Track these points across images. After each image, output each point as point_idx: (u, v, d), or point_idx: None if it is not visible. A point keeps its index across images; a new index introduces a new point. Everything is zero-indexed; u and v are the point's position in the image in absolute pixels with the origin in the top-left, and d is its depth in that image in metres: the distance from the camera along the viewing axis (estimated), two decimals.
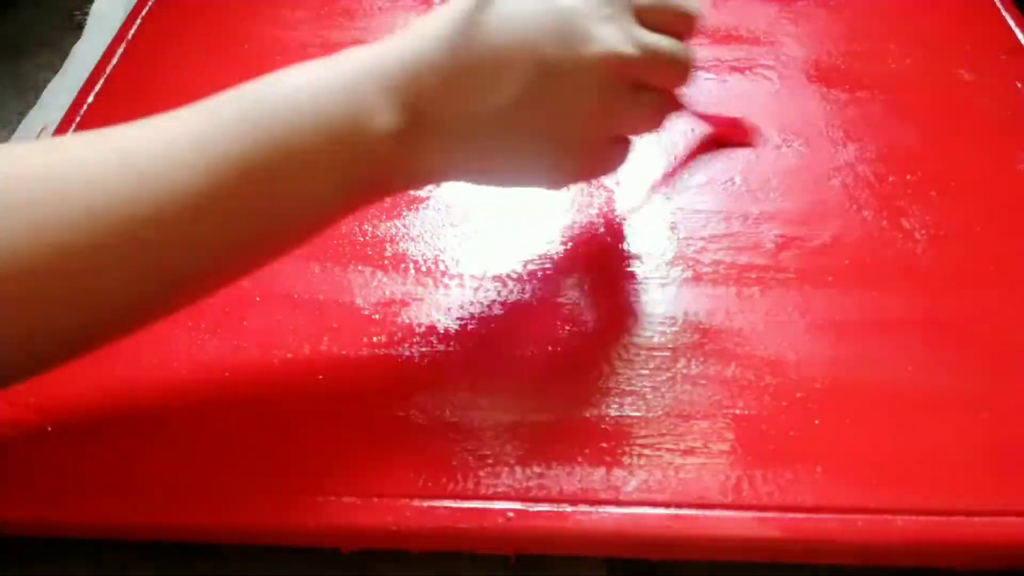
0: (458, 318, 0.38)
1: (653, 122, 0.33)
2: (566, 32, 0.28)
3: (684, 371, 0.36)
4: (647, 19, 0.30)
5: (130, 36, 0.53)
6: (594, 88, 0.29)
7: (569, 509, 0.32)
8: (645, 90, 0.31)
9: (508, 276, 0.40)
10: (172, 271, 0.29)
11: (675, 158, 0.45)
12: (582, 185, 0.44)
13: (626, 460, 0.33)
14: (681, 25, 0.32)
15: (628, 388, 0.35)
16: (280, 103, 0.28)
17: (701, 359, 0.36)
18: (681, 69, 0.31)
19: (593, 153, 0.32)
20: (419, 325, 0.38)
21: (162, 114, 0.29)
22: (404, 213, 0.42)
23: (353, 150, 0.28)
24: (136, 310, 0.30)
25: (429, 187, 0.44)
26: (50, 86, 0.53)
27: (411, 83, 0.29)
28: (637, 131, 0.33)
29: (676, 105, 0.33)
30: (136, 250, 0.27)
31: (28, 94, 0.54)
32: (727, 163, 0.45)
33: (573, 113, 0.30)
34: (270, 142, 0.27)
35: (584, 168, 0.33)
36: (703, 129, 0.46)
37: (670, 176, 0.44)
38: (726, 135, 0.46)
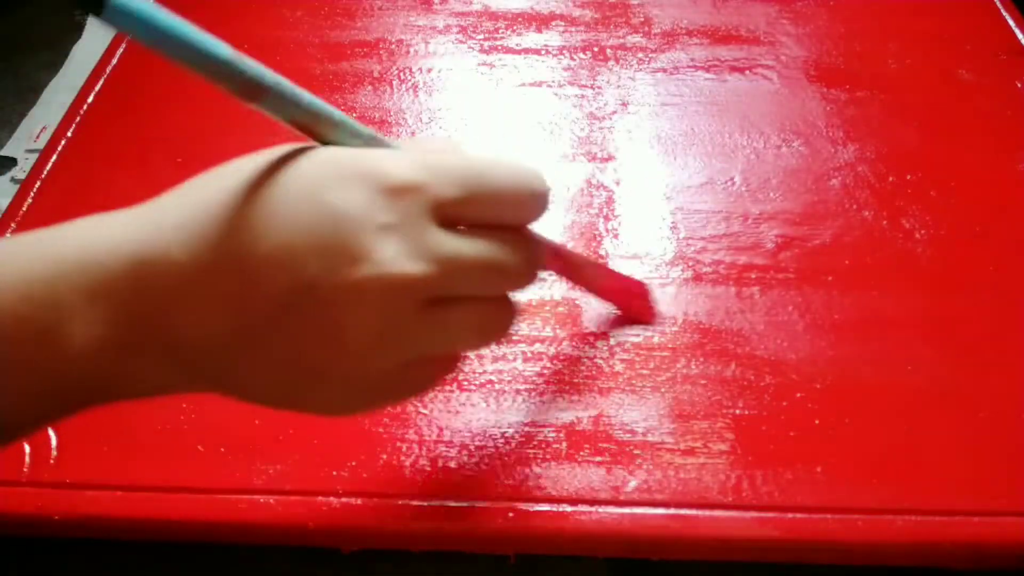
0: None
1: (475, 340, 0.25)
2: (334, 247, 0.22)
3: (684, 371, 0.36)
4: (461, 213, 0.23)
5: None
6: (367, 320, 0.22)
7: (569, 509, 0.32)
8: (457, 305, 0.24)
9: None
10: None
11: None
12: (580, 186, 0.44)
13: (626, 460, 0.33)
14: (510, 213, 0.25)
15: (628, 388, 0.35)
16: None
17: (701, 359, 0.36)
18: (500, 278, 0.24)
19: (380, 386, 0.24)
20: None
21: None
22: None
23: (41, 361, 0.22)
24: None
25: None
26: (50, 86, 0.53)
27: (130, 284, 0.22)
28: (454, 350, 0.26)
29: (510, 312, 0.25)
30: None
31: (28, 94, 0.54)
32: (727, 163, 0.45)
33: (340, 345, 0.23)
34: None
35: (369, 402, 0.25)
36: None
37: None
38: (626, 308, 0.38)
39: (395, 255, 0.22)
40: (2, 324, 0.22)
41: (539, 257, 0.26)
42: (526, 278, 0.25)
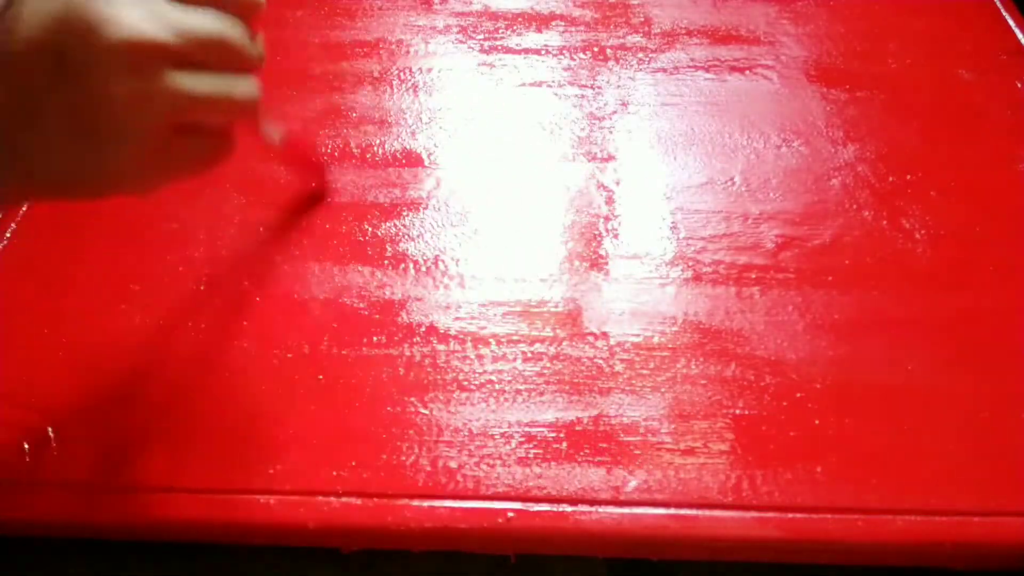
0: (458, 318, 0.38)
1: (222, 105, 0.29)
2: (79, 19, 0.26)
3: (684, 371, 0.36)
4: None
5: None
6: (121, 77, 0.26)
7: (569, 509, 0.32)
8: (197, 75, 0.28)
9: (508, 276, 0.40)
10: None
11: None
12: (580, 186, 0.44)
13: (626, 460, 0.33)
14: (236, 7, 0.29)
15: (628, 388, 0.35)
16: None
17: (701, 359, 0.36)
18: (231, 52, 0.29)
19: (152, 148, 0.28)
20: (419, 325, 0.38)
21: None
22: (404, 213, 0.43)
23: None
24: None
25: (427, 187, 0.44)
26: None
27: None
28: (207, 119, 0.30)
29: (246, 86, 0.30)
30: None
31: None
32: (727, 163, 0.45)
33: (104, 106, 0.26)
34: None
35: (149, 166, 0.29)
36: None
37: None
38: (299, 169, 0.43)
39: (135, 19, 0.26)
40: None
41: (259, 45, 0.30)
42: (251, 59, 0.30)
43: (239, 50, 0.29)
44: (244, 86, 0.30)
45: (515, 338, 0.37)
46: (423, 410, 0.35)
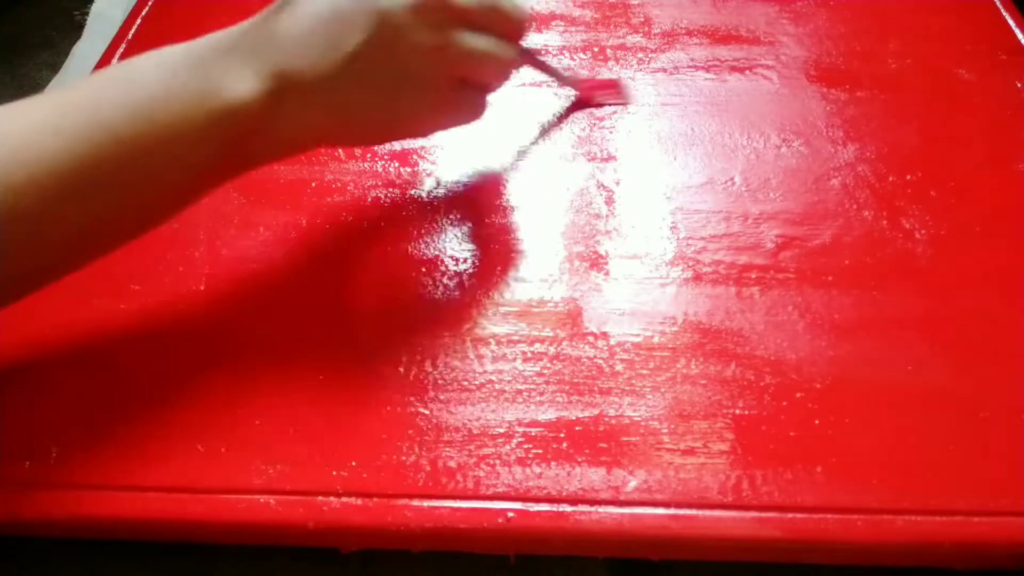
0: (458, 318, 0.38)
1: (491, 66, 0.35)
2: None
3: (684, 371, 0.36)
4: None
5: (130, 36, 0.53)
6: (424, 30, 0.32)
7: (569, 509, 0.32)
8: (478, 34, 0.34)
9: (508, 276, 0.40)
10: (51, 237, 0.30)
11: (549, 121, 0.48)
12: (580, 186, 0.44)
13: (626, 460, 0.33)
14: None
15: (628, 388, 0.35)
16: (138, 77, 0.31)
17: (701, 359, 0.36)
18: (504, 16, 0.34)
19: (441, 96, 0.35)
20: (420, 325, 0.38)
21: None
22: (404, 213, 0.43)
23: (214, 116, 0.31)
24: (14, 276, 0.31)
25: (427, 187, 0.44)
26: (50, 86, 0.53)
27: (265, 49, 0.31)
28: (479, 75, 0.35)
29: (514, 53, 0.36)
30: (11, 217, 0.28)
31: (28, 94, 0.54)
32: (727, 163, 0.45)
33: (411, 56, 0.32)
34: (129, 111, 0.30)
35: (437, 111, 0.35)
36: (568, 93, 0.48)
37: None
38: (595, 95, 0.49)
39: None
40: (185, 87, 0.30)
41: (524, 11, 0.36)
42: (518, 24, 0.35)
43: (509, 15, 0.35)
44: (510, 50, 0.35)
45: (515, 338, 0.37)
46: (423, 410, 0.35)
